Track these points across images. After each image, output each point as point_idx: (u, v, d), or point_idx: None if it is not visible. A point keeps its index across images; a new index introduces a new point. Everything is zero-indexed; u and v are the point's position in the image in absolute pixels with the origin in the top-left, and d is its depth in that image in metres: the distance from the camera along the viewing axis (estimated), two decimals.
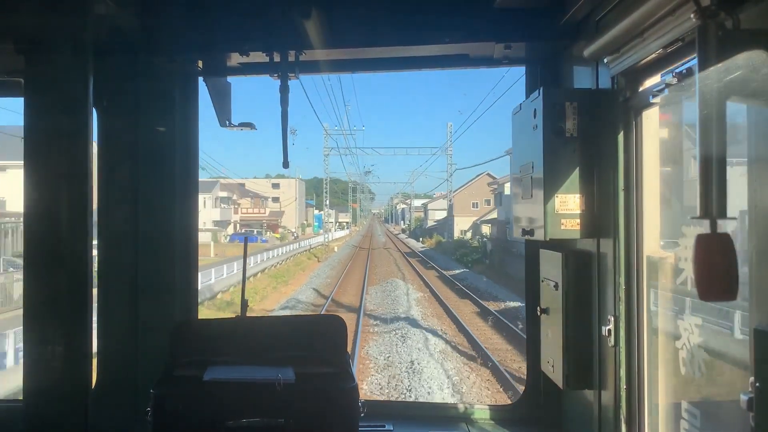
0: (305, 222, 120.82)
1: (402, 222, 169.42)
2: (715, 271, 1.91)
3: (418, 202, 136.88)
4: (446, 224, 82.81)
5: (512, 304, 26.11)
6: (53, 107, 3.21)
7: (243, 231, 74.79)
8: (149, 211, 4.17)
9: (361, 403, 3.03)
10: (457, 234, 71.99)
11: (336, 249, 67.82)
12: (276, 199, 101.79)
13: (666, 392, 3.09)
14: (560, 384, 3.59)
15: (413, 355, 17.31)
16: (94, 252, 3.62)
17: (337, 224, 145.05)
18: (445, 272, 40.75)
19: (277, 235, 64.67)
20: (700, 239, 1.92)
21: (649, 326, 3.09)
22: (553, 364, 3.69)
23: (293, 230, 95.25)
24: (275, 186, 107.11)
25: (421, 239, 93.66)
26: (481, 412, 4.42)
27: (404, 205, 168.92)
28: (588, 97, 3.44)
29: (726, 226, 1.96)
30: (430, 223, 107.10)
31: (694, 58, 2.09)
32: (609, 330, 3.20)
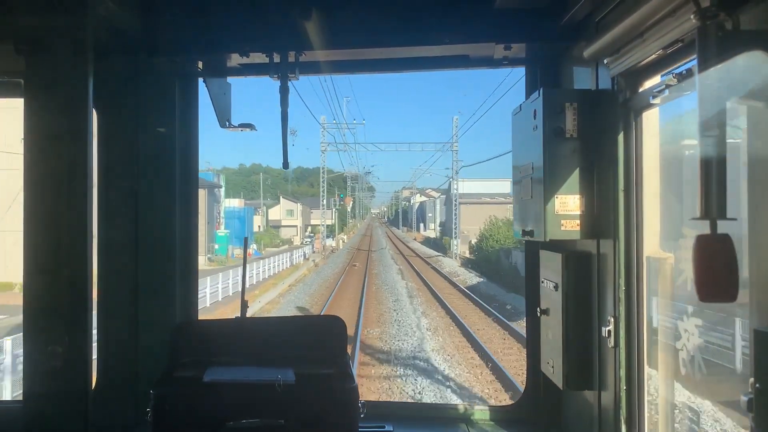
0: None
1: (423, 226, 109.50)
2: (715, 273, 1.90)
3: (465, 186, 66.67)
4: None
5: None
6: (53, 108, 3.21)
7: None
8: (149, 211, 4.17)
9: (361, 403, 3.03)
10: None
11: None
12: None
13: (666, 392, 3.09)
14: (560, 384, 3.59)
15: None
16: (94, 252, 3.62)
17: (308, 231, 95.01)
18: None
19: None
20: (700, 240, 1.92)
21: (649, 327, 3.09)
22: (553, 365, 3.69)
23: None
24: None
25: None
26: (481, 413, 4.42)
27: (424, 198, 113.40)
28: (588, 98, 3.44)
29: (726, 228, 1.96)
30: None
31: (694, 58, 2.09)
32: (609, 331, 3.20)
